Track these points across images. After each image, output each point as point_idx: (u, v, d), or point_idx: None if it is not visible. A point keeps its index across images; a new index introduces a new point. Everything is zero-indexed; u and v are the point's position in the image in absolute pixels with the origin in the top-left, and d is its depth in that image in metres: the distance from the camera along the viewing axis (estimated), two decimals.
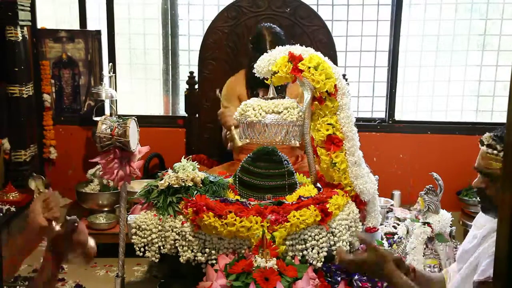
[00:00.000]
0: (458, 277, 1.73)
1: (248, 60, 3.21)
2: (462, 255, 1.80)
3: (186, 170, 2.47)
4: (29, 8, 3.66)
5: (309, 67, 2.41)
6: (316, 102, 2.45)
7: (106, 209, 3.59)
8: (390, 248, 2.87)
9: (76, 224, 1.61)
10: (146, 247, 2.38)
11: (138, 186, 3.06)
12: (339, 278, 2.28)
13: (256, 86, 3.10)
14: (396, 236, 2.93)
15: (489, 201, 1.70)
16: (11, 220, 3.26)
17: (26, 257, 3.40)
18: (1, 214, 3.22)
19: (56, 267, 1.65)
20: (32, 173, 2.29)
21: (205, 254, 2.26)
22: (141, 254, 2.40)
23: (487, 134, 1.69)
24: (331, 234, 2.30)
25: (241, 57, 3.54)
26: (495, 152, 1.64)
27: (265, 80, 2.56)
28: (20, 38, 3.51)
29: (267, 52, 2.51)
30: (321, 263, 2.26)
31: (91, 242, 1.71)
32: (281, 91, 2.90)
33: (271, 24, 3.28)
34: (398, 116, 3.97)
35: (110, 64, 3.77)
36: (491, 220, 1.73)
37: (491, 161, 1.65)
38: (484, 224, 1.75)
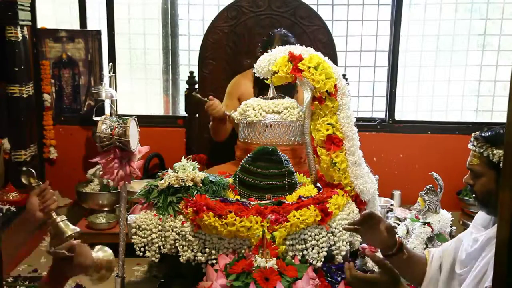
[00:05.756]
0: (468, 281, 1.71)
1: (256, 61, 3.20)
2: (465, 259, 1.78)
3: (186, 170, 2.47)
4: (29, 8, 3.66)
5: (309, 67, 2.41)
6: (316, 102, 2.45)
7: (106, 209, 3.59)
8: None
9: (74, 247, 1.59)
10: (146, 247, 2.38)
11: (138, 186, 3.05)
12: (339, 278, 2.28)
13: (265, 87, 3.08)
14: None
15: (477, 196, 1.74)
16: (11, 220, 3.26)
17: (26, 257, 3.41)
18: (1, 214, 3.21)
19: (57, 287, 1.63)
20: (22, 168, 2.26)
21: (205, 254, 2.26)
22: (141, 254, 2.40)
23: (476, 132, 1.75)
24: (331, 234, 2.30)
25: (241, 57, 3.54)
26: (474, 148, 1.71)
27: (265, 80, 2.56)
28: (20, 38, 3.50)
29: None
30: (321, 263, 2.26)
31: (104, 257, 1.68)
32: (290, 95, 2.86)
33: (286, 32, 3.23)
34: (398, 116, 3.97)
35: (110, 64, 3.77)
36: (489, 221, 1.73)
37: (472, 157, 1.72)
38: (483, 225, 1.75)
